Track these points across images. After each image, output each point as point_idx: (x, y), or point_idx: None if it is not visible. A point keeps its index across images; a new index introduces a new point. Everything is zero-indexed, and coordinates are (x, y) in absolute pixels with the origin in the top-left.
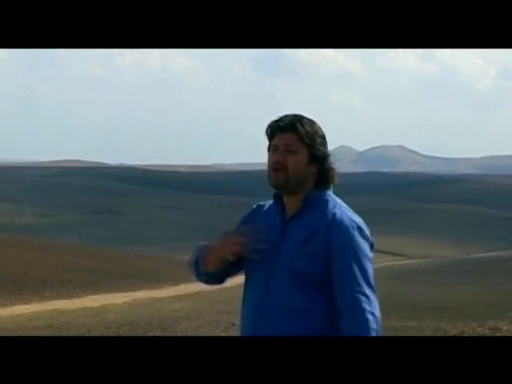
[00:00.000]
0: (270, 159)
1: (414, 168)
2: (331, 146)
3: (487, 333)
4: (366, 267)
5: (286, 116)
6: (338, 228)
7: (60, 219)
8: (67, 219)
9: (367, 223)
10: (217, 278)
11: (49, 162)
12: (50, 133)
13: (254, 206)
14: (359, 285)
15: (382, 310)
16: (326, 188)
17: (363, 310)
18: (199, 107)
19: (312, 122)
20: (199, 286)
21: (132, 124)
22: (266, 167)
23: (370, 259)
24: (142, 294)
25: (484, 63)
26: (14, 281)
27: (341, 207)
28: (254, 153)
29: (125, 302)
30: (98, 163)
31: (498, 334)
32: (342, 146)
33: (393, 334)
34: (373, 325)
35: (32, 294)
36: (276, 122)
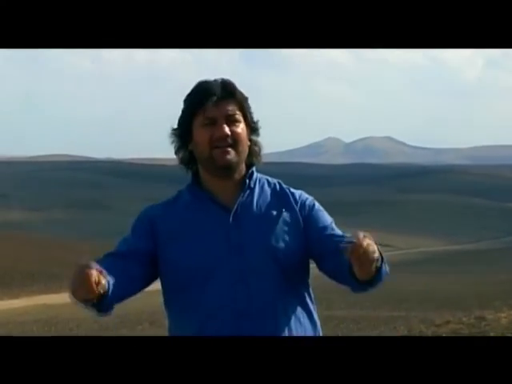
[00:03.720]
0: (205, 135)
1: (401, 159)
2: (318, 137)
3: (472, 322)
4: None
5: (213, 81)
6: (304, 198)
7: (48, 213)
8: (55, 213)
9: (355, 214)
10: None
11: (37, 156)
12: (39, 127)
13: (150, 209)
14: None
15: (371, 301)
16: (256, 164)
17: None
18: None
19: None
20: None
21: (119, 118)
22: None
23: None
24: None
25: (471, 53)
26: (3, 276)
27: (281, 182)
28: None
29: None
30: (86, 157)
31: (482, 323)
32: (329, 138)
33: (382, 324)
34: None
35: (20, 289)
36: (205, 89)
